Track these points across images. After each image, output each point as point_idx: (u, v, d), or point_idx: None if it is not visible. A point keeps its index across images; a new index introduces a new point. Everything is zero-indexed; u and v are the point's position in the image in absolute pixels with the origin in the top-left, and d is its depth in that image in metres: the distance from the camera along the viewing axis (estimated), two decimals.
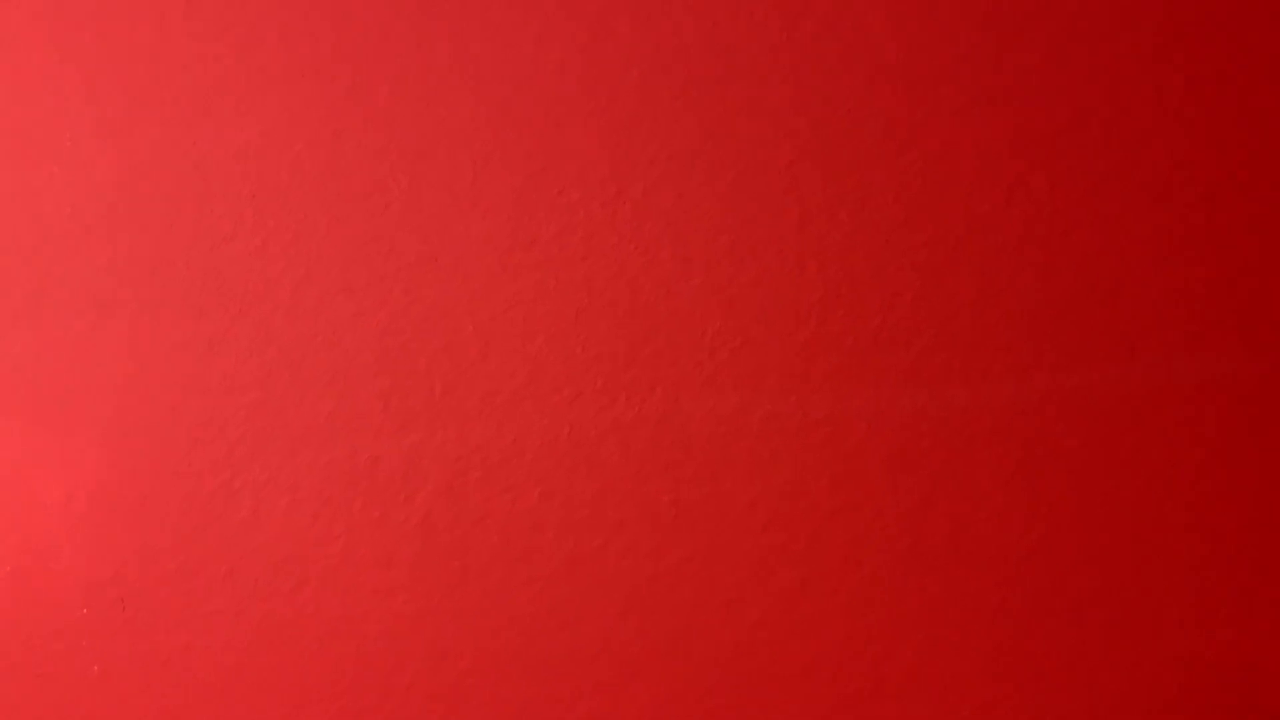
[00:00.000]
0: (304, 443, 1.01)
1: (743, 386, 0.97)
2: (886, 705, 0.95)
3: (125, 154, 1.05)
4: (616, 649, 0.98)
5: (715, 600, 0.97)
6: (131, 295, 1.04)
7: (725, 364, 0.97)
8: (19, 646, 1.04)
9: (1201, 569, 0.93)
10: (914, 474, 0.95)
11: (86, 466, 1.04)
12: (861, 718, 0.95)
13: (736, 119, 0.98)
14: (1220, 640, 0.92)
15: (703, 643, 0.97)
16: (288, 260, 1.02)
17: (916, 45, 0.96)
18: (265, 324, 1.02)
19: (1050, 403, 0.94)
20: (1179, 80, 0.94)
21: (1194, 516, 0.93)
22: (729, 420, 0.97)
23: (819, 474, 0.96)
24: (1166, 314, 0.93)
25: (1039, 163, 0.95)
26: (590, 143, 1.00)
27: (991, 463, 0.94)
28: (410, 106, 1.02)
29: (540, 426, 0.99)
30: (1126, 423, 0.93)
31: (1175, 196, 0.94)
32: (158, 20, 1.05)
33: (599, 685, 0.98)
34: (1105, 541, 0.93)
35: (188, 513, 1.02)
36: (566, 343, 0.99)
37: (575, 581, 0.98)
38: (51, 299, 1.05)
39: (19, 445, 1.05)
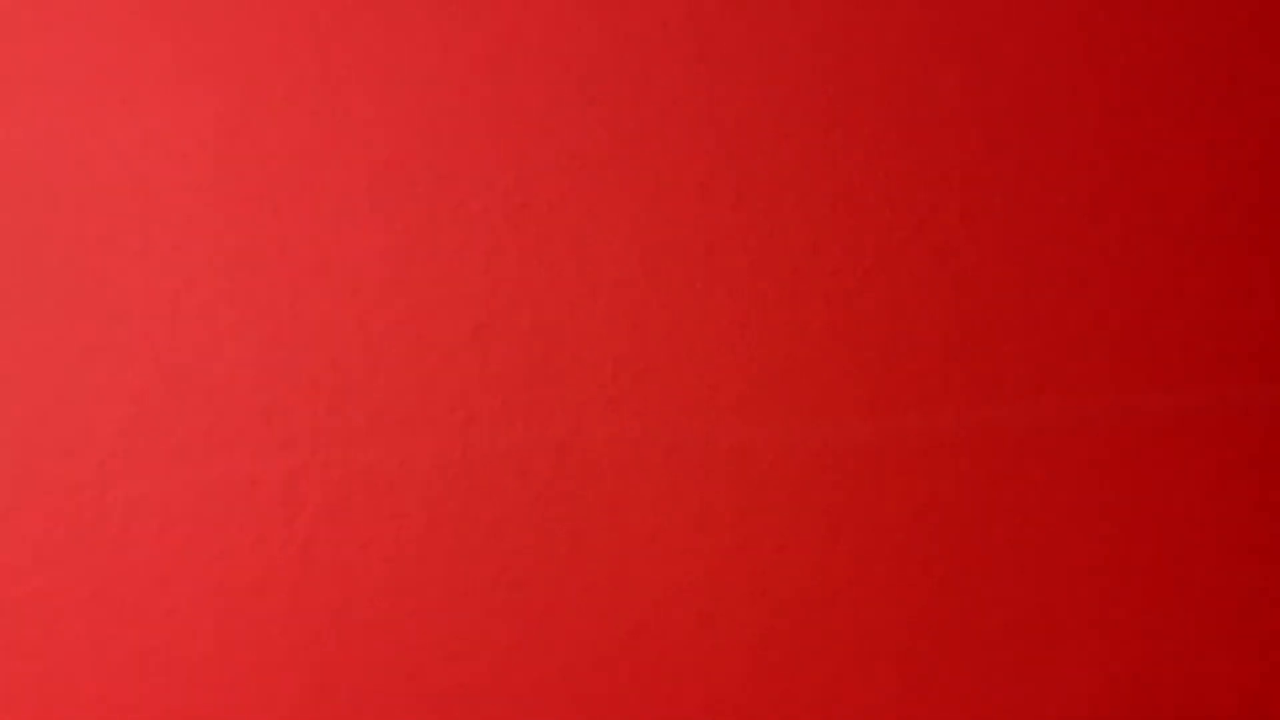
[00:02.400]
0: (179, 459, 0.97)
1: (646, 413, 0.94)
2: None
3: None
4: (508, 685, 0.95)
5: (614, 634, 0.94)
6: None
7: (629, 389, 0.94)
8: None
9: (1105, 603, 0.93)
10: (819, 505, 0.94)
11: None
12: None
13: (647, 137, 0.96)
14: (1116, 675, 0.92)
15: (601, 677, 0.94)
16: (168, 266, 0.98)
17: (830, 73, 0.96)
18: (142, 333, 0.98)
19: (957, 437, 0.93)
20: (1094, 112, 0.94)
21: (1098, 552, 0.93)
22: (631, 447, 0.94)
23: (723, 504, 0.94)
24: (1076, 348, 0.93)
25: (949, 194, 0.94)
26: (494, 153, 0.97)
27: (897, 495, 0.93)
28: (306, 108, 0.98)
29: (431, 449, 0.95)
30: (1032, 458, 0.93)
31: (1087, 229, 0.94)
32: (41, 9, 1.00)
33: None
34: (1008, 577, 0.93)
35: (52, 530, 0.97)
36: (462, 361, 0.95)
37: (465, 614, 0.95)
38: None
39: None
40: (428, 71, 0.98)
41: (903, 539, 0.93)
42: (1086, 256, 0.94)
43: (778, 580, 0.93)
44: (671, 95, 0.96)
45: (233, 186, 0.99)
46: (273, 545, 0.96)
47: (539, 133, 0.97)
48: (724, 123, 0.96)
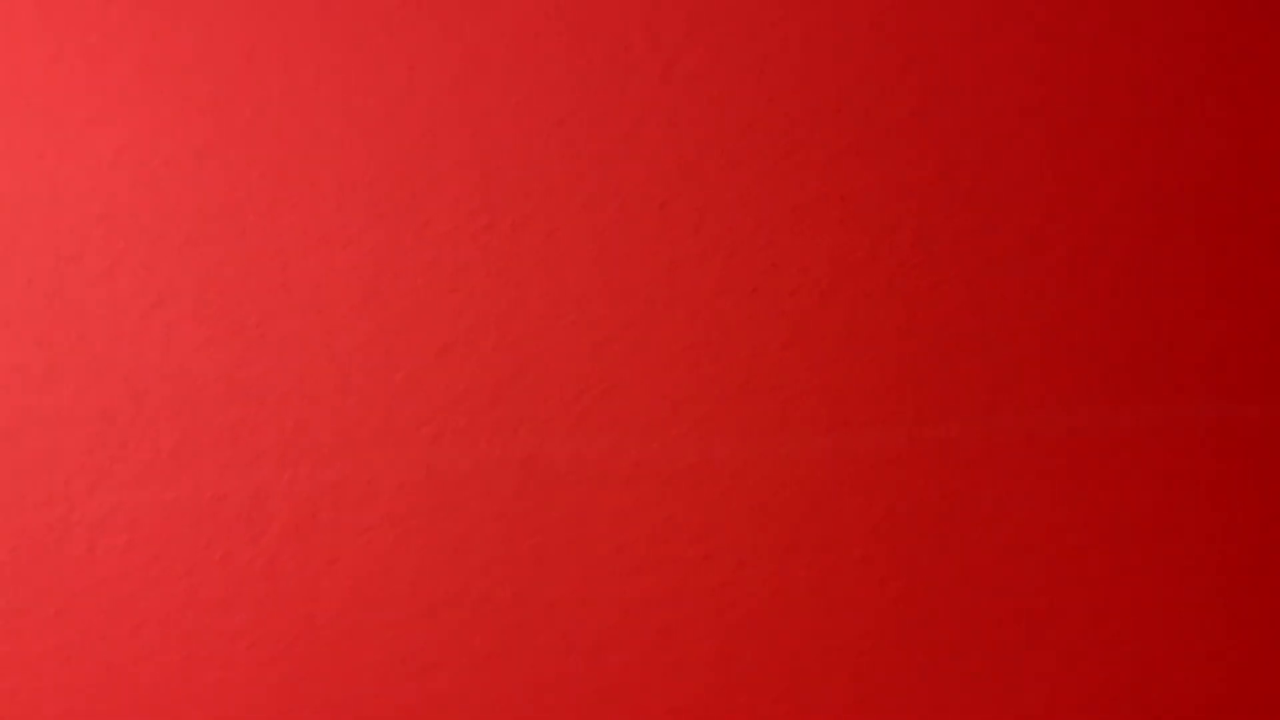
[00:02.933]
0: (146, 477, 0.97)
1: (610, 430, 0.95)
2: None
3: None
4: (474, 701, 0.95)
5: (579, 649, 0.95)
6: None
7: (592, 407, 0.95)
8: None
9: (1061, 618, 0.94)
10: (780, 521, 0.95)
11: None
12: None
13: (611, 159, 0.97)
14: (1072, 691, 0.94)
15: (566, 692, 0.94)
16: (136, 284, 0.98)
17: (785, 93, 0.97)
18: (109, 351, 0.97)
19: (914, 453, 0.94)
20: (1047, 131, 0.96)
21: (1054, 567, 0.94)
22: (595, 464, 0.95)
23: (685, 521, 0.95)
24: (1031, 366, 0.95)
25: (905, 215, 0.96)
26: (461, 173, 0.97)
27: (855, 510, 0.94)
28: (273, 127, 0.98)
29: (398, 466, 0.95)
30: (986, 473, 0.94)
31: (1040, 249, 0.96)
32: (6, 25, 1.00)
33: None
34: (965, 591, 0.94)
35: (18, 549, 0.97)
36: (428, 379, 0.96)
37: (431, 631, 0.95)
38: None
39: None
40: (395, 91, 0.99)
41: (860, 554, 0.94)
42: (1039, 275, 0.96)
43: (739, 595, 0.94)
44: (634, 117, 0.97)
45: (200, 205, 0.98)
46: (239, 562, 0.96)
47: (505, 153, 0.98)
48: (685, 145, 0.97)
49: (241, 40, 0.99)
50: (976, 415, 0.95)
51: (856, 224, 0.96)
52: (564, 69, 0.98)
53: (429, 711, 0.95)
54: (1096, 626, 0.94)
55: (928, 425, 0.95)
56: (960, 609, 0.94)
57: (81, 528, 0.97)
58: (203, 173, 0.99)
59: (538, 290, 0.96)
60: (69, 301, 0.98)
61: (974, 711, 0.94)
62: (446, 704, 0.95)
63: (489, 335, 0.96)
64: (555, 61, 0.98)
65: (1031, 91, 0.97)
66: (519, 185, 0.97)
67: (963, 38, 0.97)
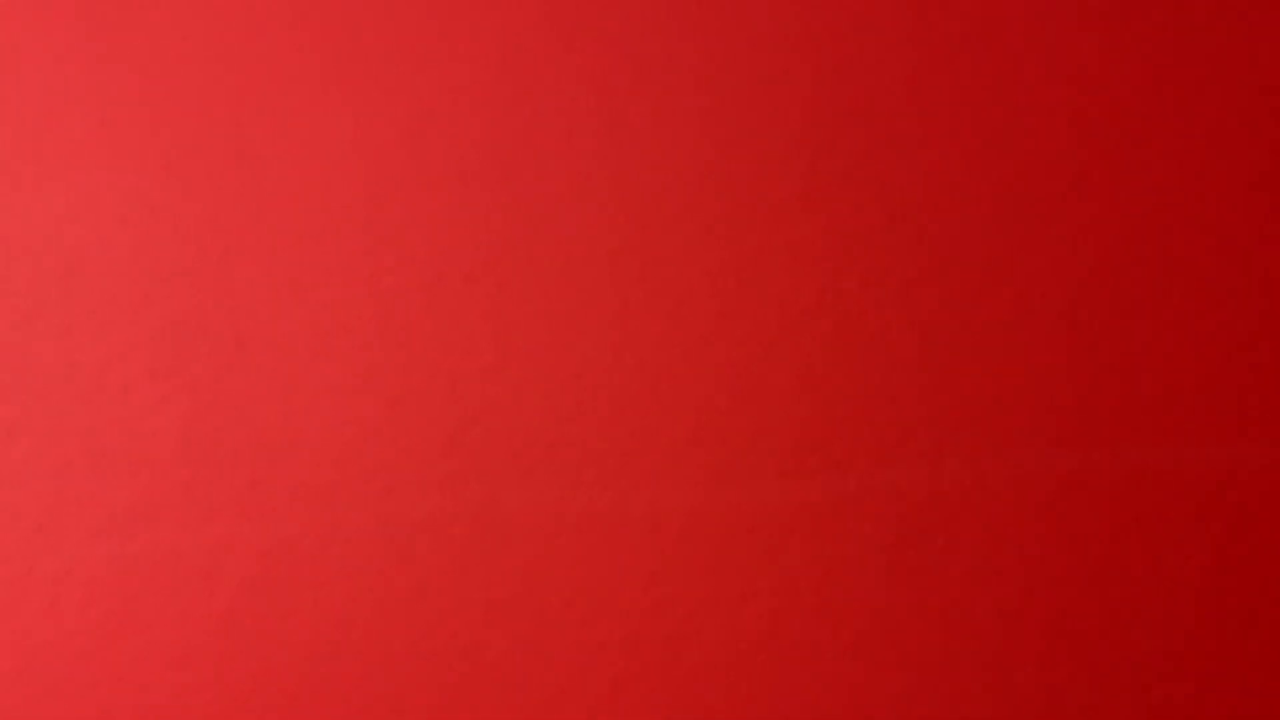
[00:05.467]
0: (102, 534, 0.97)
1: (562, 480, 0.95)
2: None
3: None
4: None
5: (532, 701, 0.95)
6: None
7: (543, 459, 0.96)
8: None
9: (1010, 664, 0.94)
10: (732, 570, 0.95)
11: None
12: None
13: (558, 212, 0.98)
14: None
15: None
16: (93, 342, 0.98)
17: (731, 142, 0.97)
18: (64, 408, 0.98)
19: (866, 499, 0.95)
20: (991, 177, 0.97)
21: (1003, 613, 0.94)
22: (547, 515, 0.95)
23: (636, 571, 0.95)
24: (978, 413, 0.95)
25: (852, 261, 0.96)
26: (410, 227, 0.98)
27: (806, 558, 0.95)
28: (227, 182, 0.99)
29: (351, 520, 0.96)
30: (935, 520, 0.94)
31: (987, 295, 0.96)
32: None
33: None
34: (914, 638, 0.94)
35: None
36: (380, 432, 0.96)
37: (385, 683, 0.95)
38: None
39: None
40: (344, 144, 0.99)
41: (811, 602, 0.94)
42: (989, 320, 0.96)
43: (691, 645, 0.94)
44: (581, 167, 0.98)
45: (153, 262, 0.99)
46: (194, 619, 0.96)
47: (453, 206, 0.98)
48: (633, 194, 0.98)
49: (195, 94, 1.00)
50: (928, 460, 0.95)
51: (804, 272, 0.96)
52: (504, 119, 0.99)
53: None
54: (1052, 672, 0.94)
55: (879, 470, 0.95)
56: (913, 657, 0.94)
57: (40, 587, 0.97)
58: (157, 229, 0.99)
59: (487, 342, 0.97)
60: (26, 359, 0.98)
61: None
62: None
63: (439, 387, 0.97)
64: (496, 113, 0.99)
65: (978, 134, 0.97)
66: (467, 237, 0.98)
67: (908, 82, 0.98)
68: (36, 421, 0.98)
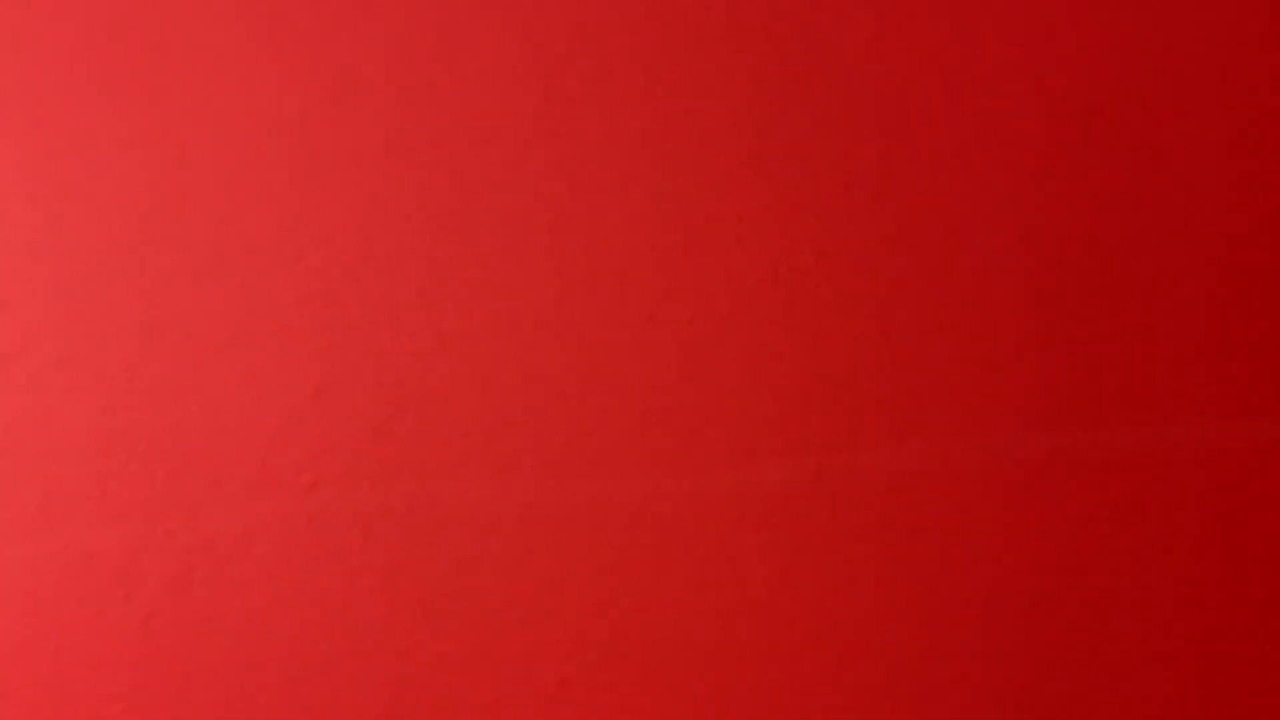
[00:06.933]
0: (10, 535, 0.92)
1: (500, 472, 0.90)
2: None
3: None
4: None
5: (469, 706, 0.90)
6: None
7: (479, 447, 0.91)
8: None
9: (974, 655, 0.90)
10: (682, 562, 0.90)
11: None
12: None
13: (493, 185, 0.93)
14: None
15: None
16: None
17: (679, 115, 0.93)
18: None
19: (821, 484, 0.90)
20: (948, 145, 0.92)
21: (968, 600, 0.90)
22: (484, 508, 0.90)
23: (580, 565, 0.90)
24: (939, 393, 0.91)
25: (806, 232, 0.91)
26: (335, 204, 0.93)
27: (760, 546, 0.90)
28: (139, 162, 0.93)
29: (275, 516, 0.91)
30: (896, 504, 0.90)
31: (946, 271, 0.92)
32: None
33: None
34: (873, 625, 0.90)
35: None
36: (305, 422, 0.91)
37: (314, 689, 0.90)
38: None
39: None
40: (264, 116, 0.93)
41: (767, 595, 0.90)
42: (949, 295, 0.91)
43: (639, 643, 0.90)
44: (518, 136, 0.93)
45: (64, 248, 0.94)
46: (112, 621, 0.91)
47: (379, 180, 0.93)
48: (573, 164, 0.92)
49: (105, 69, 0.94)
50: (890, 442, 0.90)
51: (755, 244, 0.91)
52: (440, 87, 0.93)
53: None
54: (1018, 659, 0.90)
55: (838, 454, 0.90)
56: (871, 645, 0.90)
57: None
58: (66, 211, 0.94)
59: (418, 325, 0.91)
60: None
61: None
62: None
63: (367, 374, 0.91)
64: (431, 80, 0.93)
65: (933, 104, 0.92)
66: (396, 214, 0.92)
67: (862, 44, 0.93)
68: None
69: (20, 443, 0.92)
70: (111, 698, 0.91)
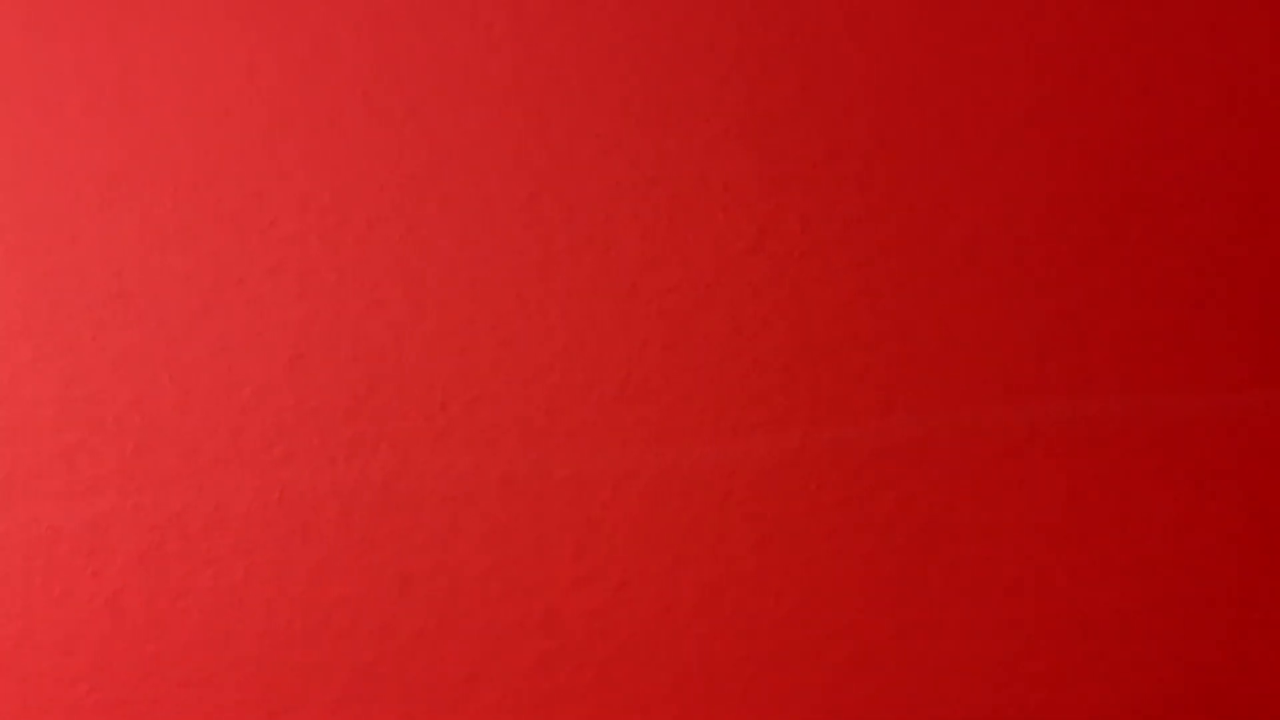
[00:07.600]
0: None
1: (478, 444, 0.88)
2: None
3: None
4: None
5: (448, 681, 0.88)
6: None
7: (458, 419, 0.88)
8: None
9: (958, 627, 0.89)
10: (663, 536, 0.88)
11: None
12: None
13: (472, 147, 0.90)
14: (972, 706, 0.88)
15: None
16: None
17: (662, 79, 0.90)
18: None
19: (804, 457, 0.88)
20: (933, 114, 0.90)
21: (950, 571, 0.89)
22: (462, 481, 0.88)
23: (561, 539, 0.88)
24: (923, 363, 0.89)
25: (790, 200, 0.89)
26: (308, 168, 0.90)
27: (743, 520, 0.88)
28: (104, 123, 0.90)
29: (248, 490, 0.88)
30: (879, 477, 0.89)
31: (932, 239, 0.90)
32: None
33: None
34: (857, 598, 0.89)
35: None
36: (278, 394, 0.88)
37: (287, 667, 0.88)
38: None
39: None
40: (234, 83, 0.91)
41: (749, 566, 0.88)
42: (931, 267, 0.90)
43: (620, 618, 0.88)
44: (496, 104, 0.90)
45: (28, 212, 0.91)
46: (79, 599, 0.88)
47: (355, 146, 0.90)
48: (552, 132, 0.90)
49: (71, 38, 0.91)
50: (872, 414, 0.89)
51: (739, 212, 0.89)
52: (416, 50, 0.91)
53: None
54: (1001, 634, 0.89)
55: (822, 426, 0.88)
56: (855, 619, 0.88)
57: None
58: (28, 175, 0.90)
59: (395, 293, 0.89)
60: None
61: None
62: None
63: (342, 344, 0.89)
64: (405, 49, 0.91)
65: (919, 70, 0.91)
66: (372, 179, 0.90)
67: (849, 11, 0.91)
68: None
69: None
70: (77, 676, 0.88)
